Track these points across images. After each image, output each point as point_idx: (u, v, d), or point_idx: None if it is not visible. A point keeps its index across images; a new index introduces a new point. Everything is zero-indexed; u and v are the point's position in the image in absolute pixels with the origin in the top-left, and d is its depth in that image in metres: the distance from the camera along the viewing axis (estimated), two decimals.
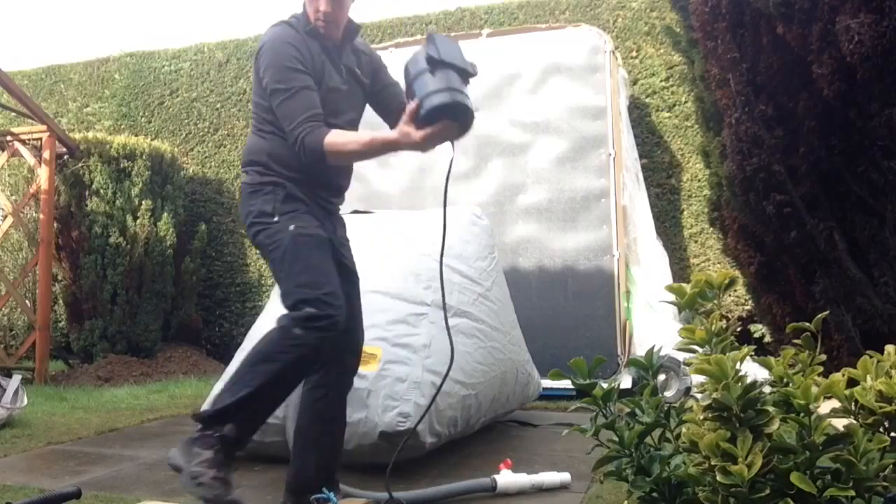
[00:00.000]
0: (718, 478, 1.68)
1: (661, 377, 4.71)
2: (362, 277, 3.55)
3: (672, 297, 2.14)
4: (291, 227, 2.49)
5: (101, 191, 6.56)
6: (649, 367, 2.17)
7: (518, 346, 4.03)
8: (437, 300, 3.46)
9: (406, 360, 3.22)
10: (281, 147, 2.54)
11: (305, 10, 2.56)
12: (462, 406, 3.40)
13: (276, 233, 2.51)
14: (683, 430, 1.86)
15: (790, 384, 1.87)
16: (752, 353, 1.93)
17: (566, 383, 2.27)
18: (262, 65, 2.53)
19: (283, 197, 2.53)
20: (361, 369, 3.18)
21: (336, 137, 2.41)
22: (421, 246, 3.65)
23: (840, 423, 1.80)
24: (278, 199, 2.53)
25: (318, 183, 2.60)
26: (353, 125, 2.66)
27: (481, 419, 3.66)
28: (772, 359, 1.99)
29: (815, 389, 1.76)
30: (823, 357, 1.97)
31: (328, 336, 2.36)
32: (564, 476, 2.91)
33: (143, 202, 6.66)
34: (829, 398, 1.82)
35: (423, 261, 3.58)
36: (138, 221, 6.62)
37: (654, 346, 2.26)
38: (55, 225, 6.50)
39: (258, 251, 3.14)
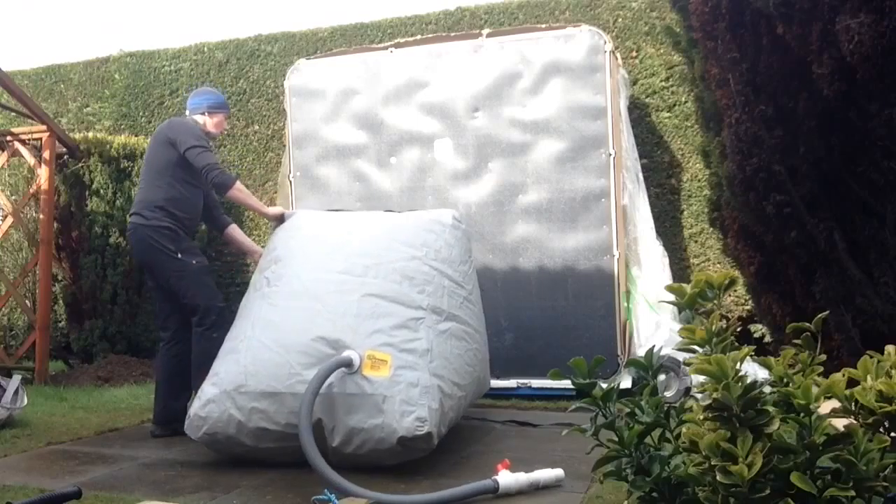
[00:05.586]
0: (718, 478, 1.68)
1: (661, 377, 4.71)
2: (358, 279, 3.57)
3: (672, 297, 2.14)
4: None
5: (101, 191, 6.56)
6: (649, 367, 2.18)
7: (486, 346, 4.10)
8: (431, 304, 3.49)
9: (414, 366, 3.24)
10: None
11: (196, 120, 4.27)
12: (458, 406, 3.50)
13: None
14: (683, 430, 1.86)
15: (790, 384, 1.87)
16: (752, 353, 1.93)
17: (566, 383, 2.27)
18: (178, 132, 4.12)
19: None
20: (373, 375, 3.19)
21: (241, 185, 4.15)
22: (410, 248, 3.65)
23: (840, 423, 1.80)
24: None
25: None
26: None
27: (460, 415, 3.74)
28: (772, 359, 2.00)
29: (815, 389, 1.77)
30: (823, 357, 1.97)
31: None
32: (558, 472, 2.98)
33: None
34: (829, 398, 1.82)
35: (414, 264, 3.59)
36: None
37: (654, 346, 2.26)
38: (55, 225, 6.50)
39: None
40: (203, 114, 4.31)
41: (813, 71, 3.70)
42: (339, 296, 3.45)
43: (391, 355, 3.23)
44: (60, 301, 6.90)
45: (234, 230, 4.53)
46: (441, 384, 3.28)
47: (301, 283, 3.58)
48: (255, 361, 3.34)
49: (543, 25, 5.64)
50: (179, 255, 4.04)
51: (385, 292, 3.45)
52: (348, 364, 3.19)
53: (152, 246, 4.05)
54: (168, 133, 4.16)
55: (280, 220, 4.07)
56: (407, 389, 3.15)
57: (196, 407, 3.37)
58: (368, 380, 3.18)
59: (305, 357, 3.27)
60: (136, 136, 7.27)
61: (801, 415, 1.77)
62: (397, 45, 5.67)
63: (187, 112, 4.38)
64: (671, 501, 1.96)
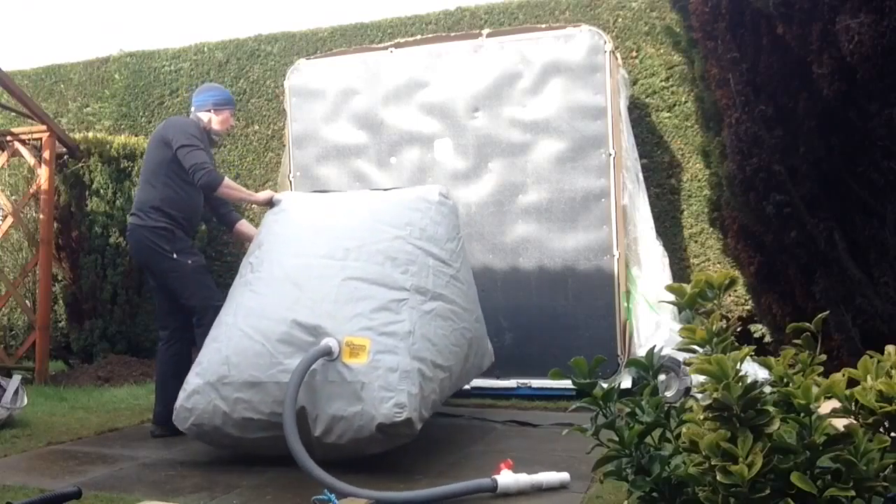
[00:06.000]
0: (718, 478, 1.68)
1: (662, 377, 4.71)
2: (339, 262, 3.55)
3: (672, 297, 2.14)
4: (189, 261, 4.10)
5: (101, 191, 6.55)
6: (649, 367, 2.18)
7: (480, 323, 4.04)
8: (415, 284, 3.43)
9: (394, 349, 3.19)
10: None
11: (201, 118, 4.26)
12: (440, 388, 3.42)
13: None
14: (683, 430, 1.86)
15: (790, 384, 1.87)
16: (752, 353, 1.93)
17: (566, 383, 2.27)
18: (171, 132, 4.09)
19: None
20: (352, 361, 3.16)
21: (229, 181, 4.11)
22: (394, 229, 3.59)
23: (840, 423, 1.80)
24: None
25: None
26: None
27: (447, 396, 3.69)
28: (772, 359, 2.00)
29: (815, 389, 1.77)
30: (823, 357, 1.97)
31: None
32: (564, 476, 2.92)
33: None
34: (830, 398, 1.82)
35: (398, 244, 3.53)
36: None
37: (654, 346, 2.26)
38: (55, 225, 6.50)
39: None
40: (209, 111, 4.27)
41: (813, 71, 3.70)
42: (320, 281, 3.40)
43: (370, 339, 3.18)
44: (60, 301, 6.89)
45: (243, 225, 4.53)
46: (422, 367, 3.21)
47: (282, 268, 3.53)
48: (237, 351, 3.31)
49: (543, 25, 5.64)
50: (175, 256, 4.07)
51: (366, 275, 3.40)
52: (328, 353, 3.16)
53: (148, 247, 4.07)
54: (163, 132, 4.15)
55: (269, 204, 4.07)
56: (386, 375, 3.11)
57: (182, 398, 3.35)
58: (349, 367, 3.14)
59: (285, 346, 3.24)
60: (136, 136, 7.27)
61: (801, 415, 1.77)
62: (397, 45, 5.67)
63: (192, 109, 4.35)
64: (671, 501, 1.96)
